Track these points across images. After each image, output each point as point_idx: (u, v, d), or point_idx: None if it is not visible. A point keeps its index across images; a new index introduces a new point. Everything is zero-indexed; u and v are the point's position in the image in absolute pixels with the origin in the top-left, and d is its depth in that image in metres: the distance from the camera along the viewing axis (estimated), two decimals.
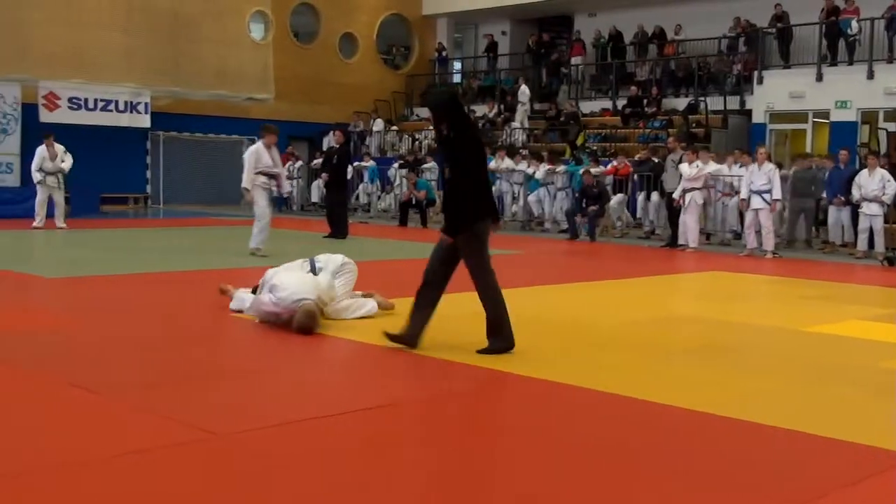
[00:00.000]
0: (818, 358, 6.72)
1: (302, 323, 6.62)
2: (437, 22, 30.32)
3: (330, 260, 7.58)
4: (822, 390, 5.66)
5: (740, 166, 16.25)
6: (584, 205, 17.40)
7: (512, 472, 3.91)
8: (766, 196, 14.65)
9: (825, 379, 5.97)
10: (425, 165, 22.03)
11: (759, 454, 4.27)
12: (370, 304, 7.55)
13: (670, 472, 3.96)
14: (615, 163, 18.87)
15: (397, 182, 22.67)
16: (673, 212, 16.09)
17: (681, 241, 15.58)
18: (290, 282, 6.95)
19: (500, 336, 6.26)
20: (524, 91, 25.33)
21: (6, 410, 4.65)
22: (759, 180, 14.72)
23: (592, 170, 18.28)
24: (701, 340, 7.31)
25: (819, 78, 20.55)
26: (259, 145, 12.66)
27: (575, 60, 26.37)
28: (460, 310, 8.43)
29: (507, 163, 20.41)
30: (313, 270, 7.39)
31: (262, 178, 12.51)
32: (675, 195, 15.68)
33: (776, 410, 5.05)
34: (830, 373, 6.14)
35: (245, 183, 12.41)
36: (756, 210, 14.73)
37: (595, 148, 21.74)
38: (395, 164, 23.27)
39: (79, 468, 3.77)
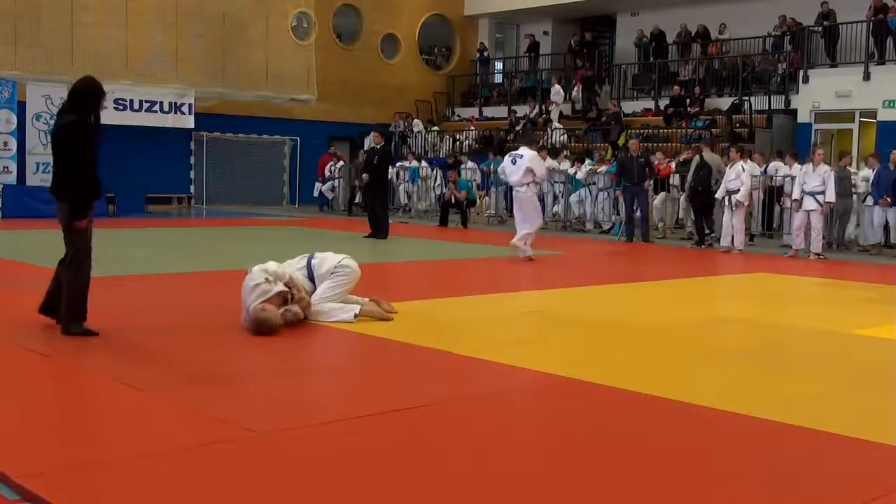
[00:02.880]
0: (867, 361, 6.62)
1: (253, 331, 6.57)
2: (478, 22, 30.30)
3: (326, 259, 7.29)
4: (871, 394, 5.56)
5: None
6: (625, 180, 17.01)
7: (553, 474, 3.89)
8: (819, 197, 14.44)
9: (874, 382, 5.87)
10: (466, 166, 22.07)
11: (805, 458, 4.22)
12: (349, 313, 7.12)
13: (714, 476, 3.92)
14: (656, 162, 18.70)
15: (437, 182, 22.69)
16: (697, 210, 16.23)
17: (723, 243, 15.40)
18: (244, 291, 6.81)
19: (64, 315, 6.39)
20: (557, 91, 25.24)
21: (55, 407, 4.72)
22: (813, 181, 14.49)
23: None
24: (747, 343, 7.23)
25: (866, 77, 20.22)
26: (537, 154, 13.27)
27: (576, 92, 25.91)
28: (504, 311, 8.43)
29: (549, 163, 20.32)
30: (309, 267, 7.24)
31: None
32: (718, 195, 15.61)
33: (824, 414, 4.97)
34: (879, 376, 6.04)
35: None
36: (808, 211, 14.51)
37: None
38: (425, 164, 23.38)
39: (121, 465, 3.81)
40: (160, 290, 9.04)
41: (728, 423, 4.73)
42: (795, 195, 14.83)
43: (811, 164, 14.70)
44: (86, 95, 6.41)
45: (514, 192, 13.52)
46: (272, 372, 5.77)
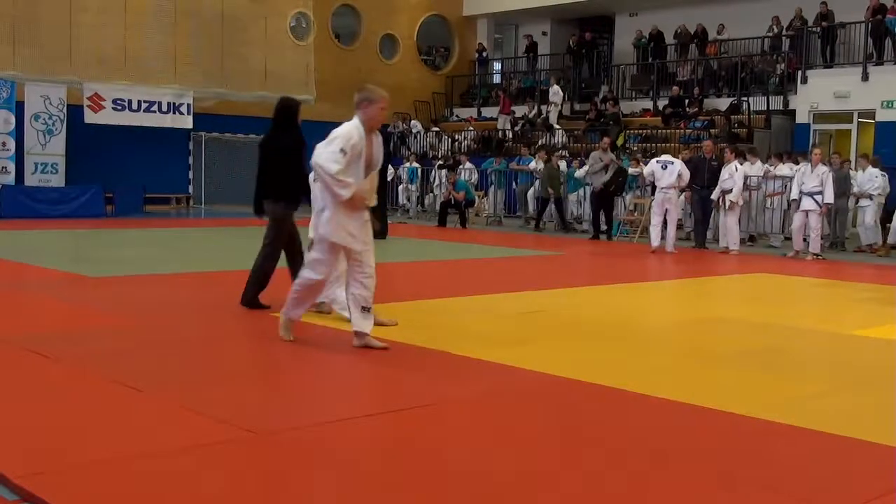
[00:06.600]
0: (867, 361, 6.62)
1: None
2: (477, 22, 30.28)
3: None
4: (871, 394, 5.56)
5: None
6: (694, 182, 15.94)
7: (552, 474, 3.89)
8: (818, 198, 14.44)
9: (874, 383, 5.87)
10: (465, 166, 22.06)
11: (805, 458, 4.22)
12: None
13: (714, 476, 3.91)
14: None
15: (437, 183, 22.69)
16: (604, 209, 17.47)
17: (722, 244, 15.40)
18: None
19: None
20: (556, 91, 25.25)
21: (55, 407, 4.71)
22: (811, 182, 14.51)
23: (632, 169, 18.16)
24: (747, 343, 7.22)
25: (865, 77, 20.22)
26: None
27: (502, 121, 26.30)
28: (504, 311, 8.42)
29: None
30: None
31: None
32: (714, 196, 15.62)
33: (824, 414, 4.96)
34: (880, 377, 6.04)
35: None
36: (806, 212, 14.52)
37: (636, 148, 21.59)
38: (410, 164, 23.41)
39: (121, 465, 3.80)
40: (159, 291, 9.02)
41: (728, 423, 4.73)
42: (794, 195, 14.84)
43: (809, 164, 14.73)
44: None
45: (662, 194, 14.97)
46: (272, 372, 5.77)
